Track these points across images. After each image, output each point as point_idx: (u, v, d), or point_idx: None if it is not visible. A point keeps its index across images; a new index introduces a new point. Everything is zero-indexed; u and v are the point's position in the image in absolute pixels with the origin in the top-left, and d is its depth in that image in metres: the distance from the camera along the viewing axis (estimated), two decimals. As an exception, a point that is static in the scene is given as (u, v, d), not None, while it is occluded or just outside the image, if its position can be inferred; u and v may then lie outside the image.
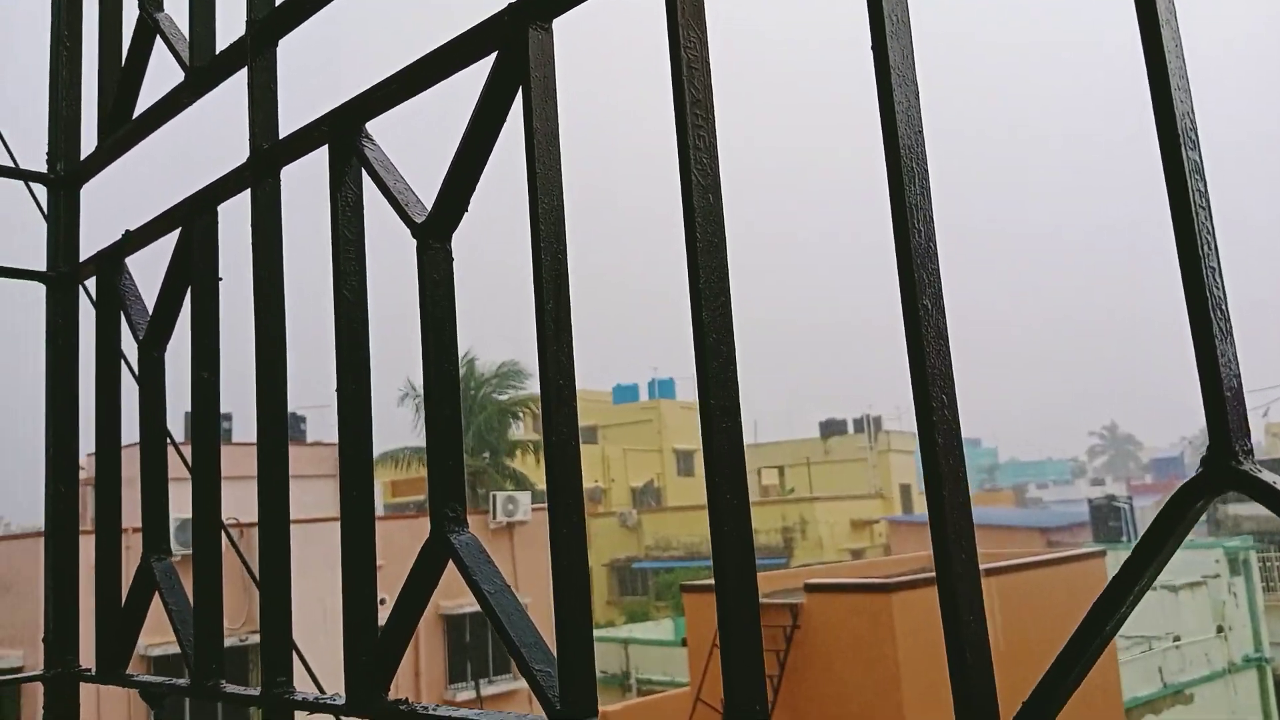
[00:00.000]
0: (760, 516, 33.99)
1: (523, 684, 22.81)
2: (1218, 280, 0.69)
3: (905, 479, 40.62)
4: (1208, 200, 0.70)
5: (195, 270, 1.65)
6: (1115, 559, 23.24)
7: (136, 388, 1.77)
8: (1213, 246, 0.70)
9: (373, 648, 1.25)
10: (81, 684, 1.87)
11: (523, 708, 22.18)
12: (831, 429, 45.05)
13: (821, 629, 13.51)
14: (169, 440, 1.72)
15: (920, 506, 41.32)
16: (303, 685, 1.43)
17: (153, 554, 1.67)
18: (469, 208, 1.24)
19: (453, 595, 22.10)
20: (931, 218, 0.85)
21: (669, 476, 44.37)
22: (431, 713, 1.19)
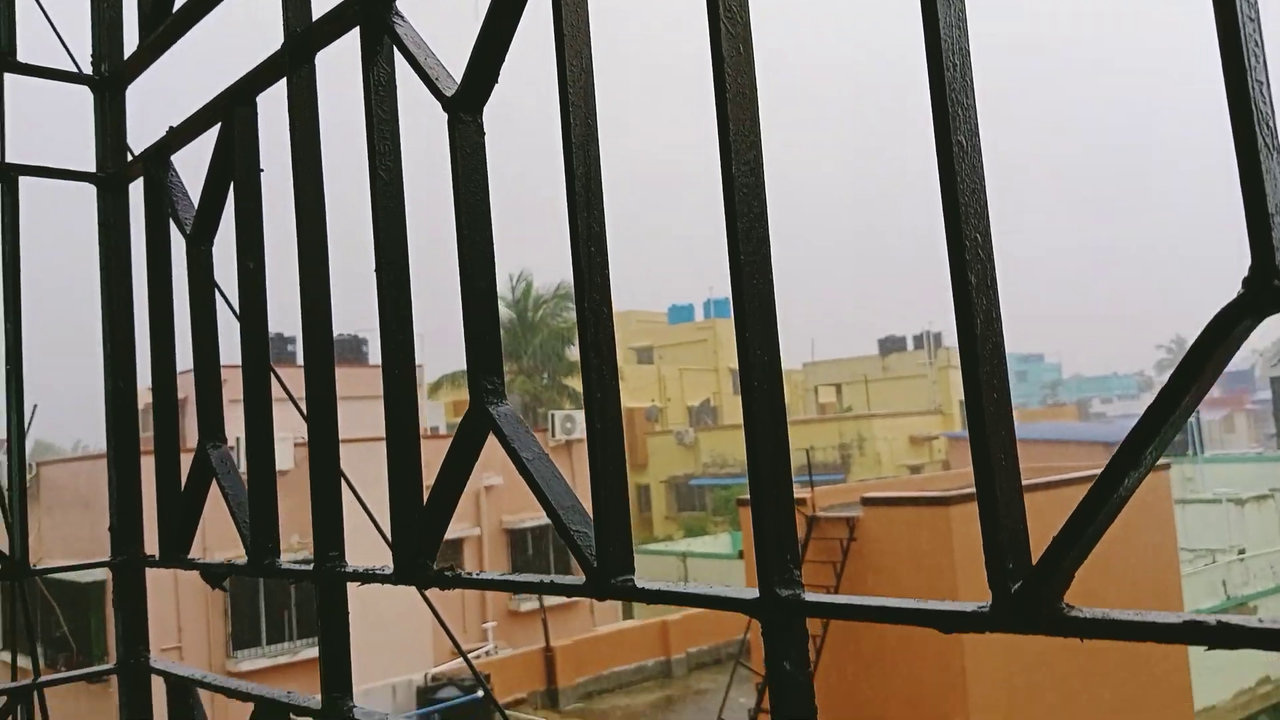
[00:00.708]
0: (817, 434, 34.03)
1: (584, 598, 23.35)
2: (1265, 94, 0.65)
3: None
4: (1257, 10, 0.67)
5: (237, 162, 1.66)
6: (1180, 472, 22.90)
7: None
8: (1260, 59, 0.66)
9: (418, 520, 1.28)
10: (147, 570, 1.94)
11: (583, 620, 22.77)
12: (890, 346, 44.65)
13: (878, 542, 13.58)
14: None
15: (980, 422, 40.87)
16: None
17: (209, 442, 1.72)
18: (498, 79, 1.22)
19: (515, 510, 22.59)
20: (975, 123, 0.81)
21: (724, 395, 44.48)
22: (474, 577, 1.22)
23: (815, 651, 13.41)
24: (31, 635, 1.87)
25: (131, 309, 2.00)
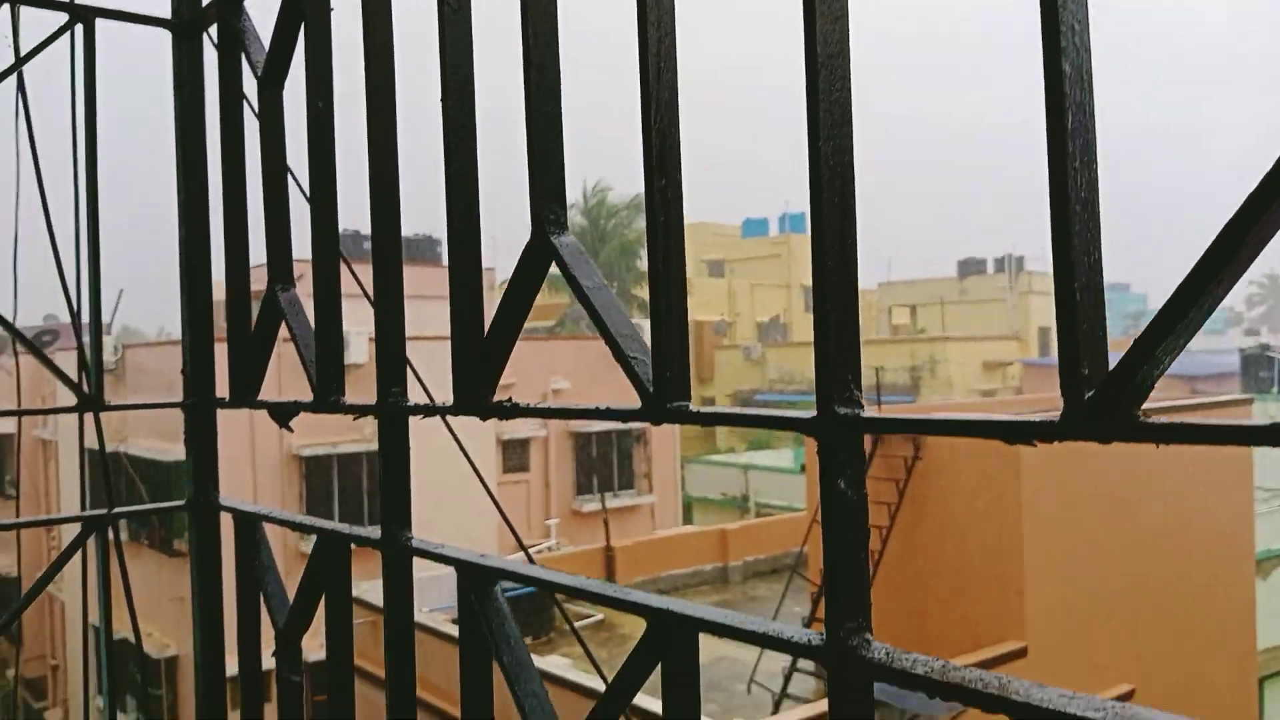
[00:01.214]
0: (888, 355, 33.63)
1: (645, 499, 23.73)
2: None
3: (1045, 321, 39.24)
4: None
5: (308, 3, 1.63)
6: (1262, 409, 22.18)
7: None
8: None
9: (478, 352, 1.28)
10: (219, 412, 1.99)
11: (643, 523, 23.17)
12: (970, 268, 43.60)
13: (944, 463, 13.47)
14: (292, 178, 1.76)
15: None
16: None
17: (277, 284, 1.74)
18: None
19: (580, 416, 22.85)
20: (1086, 41, 0.74)
21: (795, 312, 44.07)
22: (531, 406, 1.21)
23: (873, 566, 13.46)
24: (105, 469, 1.94)
25: (205, 156, 2.01)
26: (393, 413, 1.45)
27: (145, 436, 18.95)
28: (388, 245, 1.44)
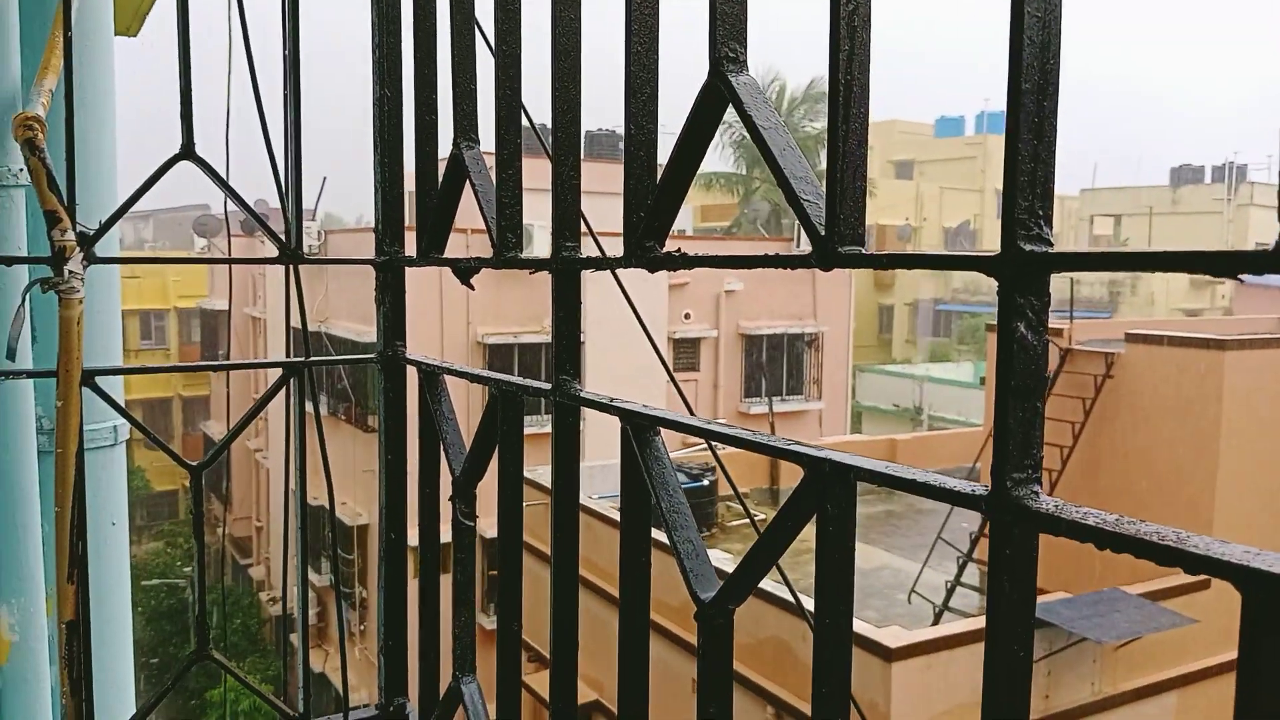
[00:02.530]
0: (1083, 267, 31.68)
1: (813, 405, 23.59)
2: None
3: (1264, 237, 35.98)
4: None
5: None
6: None
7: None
8: None
9: (649, 201, 1.28)
10: (408, 270, 2.08)
11: (810, 430, 23.06)
12: (1184, 176, 40.23)
13: (1137, 381, 12.73)
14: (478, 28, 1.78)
15: None
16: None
17: (462, 141, 1.78)
18: None
19: (753, 317, 22.80)
20: None
21: (988, 217, 42.01)
22: (698, 255, 1.21)
23: (1050, 486, 12.97)
24: (304, 320, 2.07)
25: (399, 13, 2.05)
26: (565, 265, 1.47)
27: (345, 319, 20.19)
28: (566, 97, 1.44)
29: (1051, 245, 0.81)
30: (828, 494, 1.05)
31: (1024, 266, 0.81)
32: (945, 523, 14.16)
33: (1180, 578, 10.76)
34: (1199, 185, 39.06)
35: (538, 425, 18.83)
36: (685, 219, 34.75)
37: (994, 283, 0.84)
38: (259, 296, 26.72)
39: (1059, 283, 22.24)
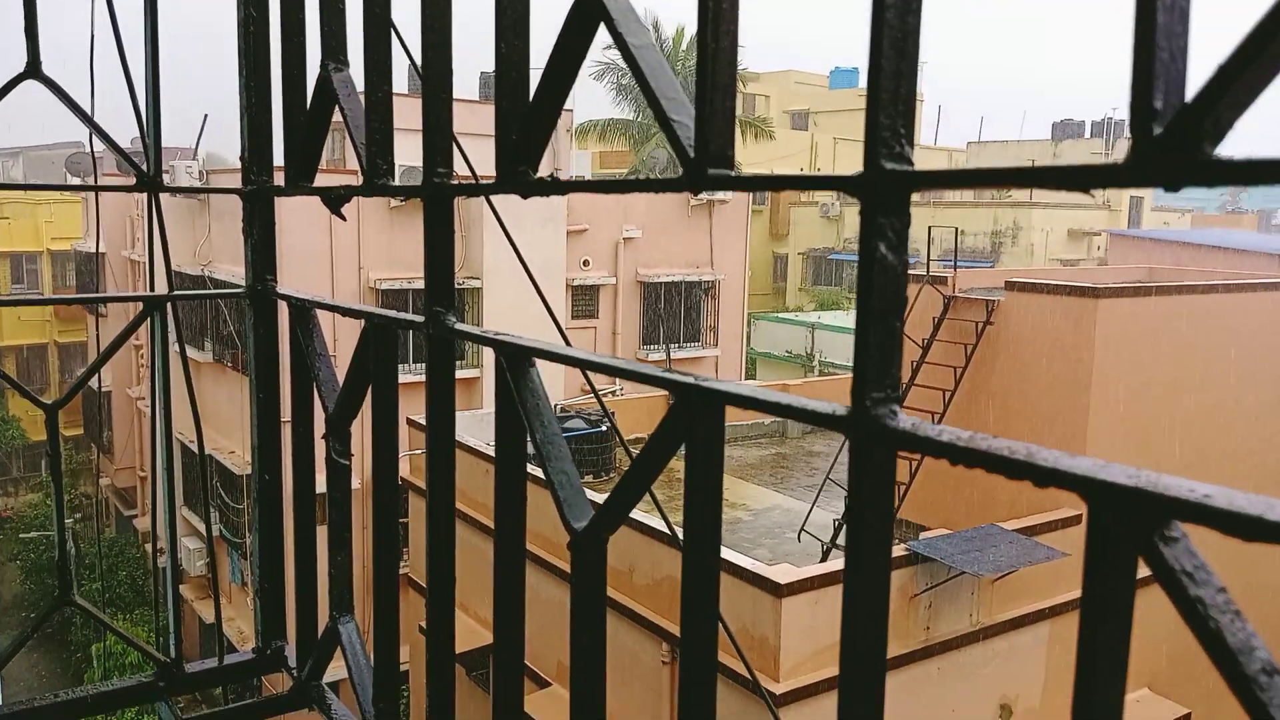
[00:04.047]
0: (968, 218, 32.68)
1: (709, 352, 23.86)
2: None
3: (1139, 190, 37.57)
4: None
5: None
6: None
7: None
8: None
9: (522, 122, 1.24)
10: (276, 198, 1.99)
11: (707, 374, 23.32)
12: (1066, 131, 41.62)
13: (1016, 328, 13.21)
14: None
15: (1150, 221, 38.55)
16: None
17: (330, 62, 1.70)
18: None
19: (651, 265, 22.83)
20: None
21: (879, 169, 42.74)
22: (573, 180, 1.18)
23: (965, 358, 13.38)
24: (166, 252, 1.97)
25: (261, -70, 1.94)
26: (436, 192, 1.43)
27: (229, 263, 19.46)
28: (437, 13, 1.38)
29: (912, 165, 0.81)
30: (696, 419, 1.04)
31: (886, 185, 0.80)
32: (834, 463, 14.55)
33: (1054, 514, 11.31)
34: (1079, 140, 40.51)
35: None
36: (583, 166, 34.47)
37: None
38: (137, 239, 25.56)
39: (945, 230, 22.82)
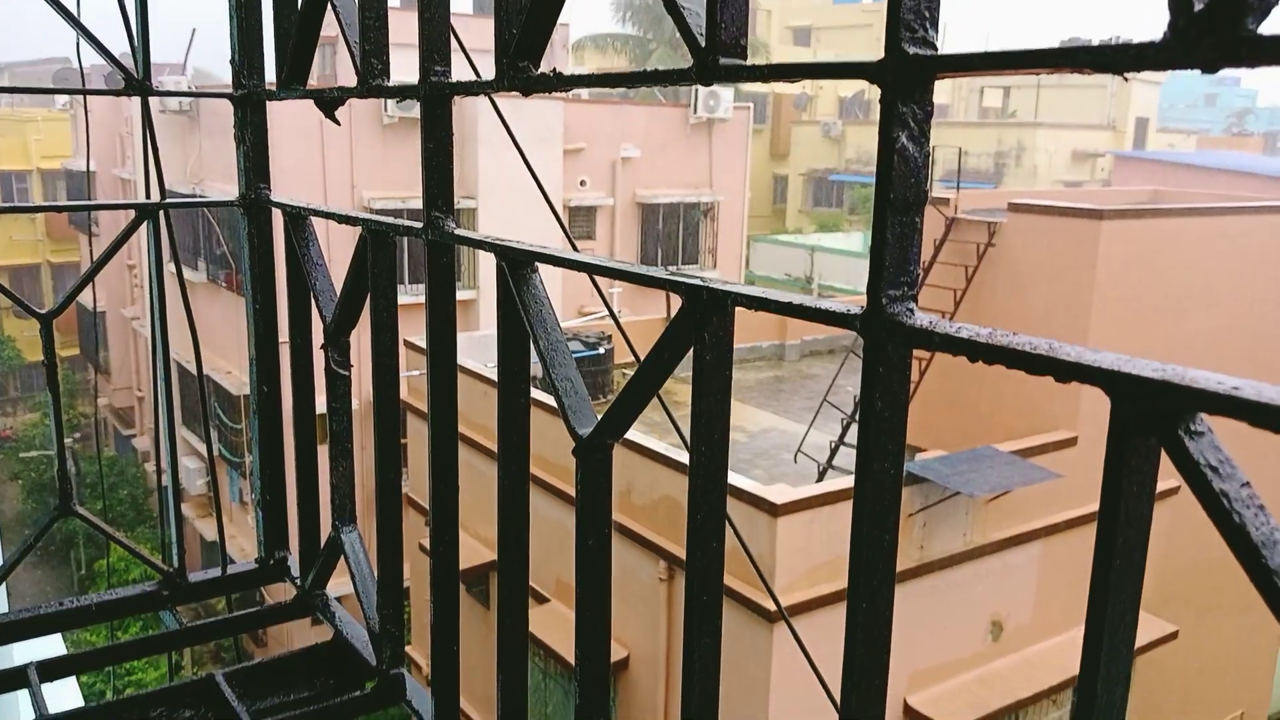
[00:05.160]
0: (972, 138, 32.26)
1: (708, 274, 23.75)
2: None
3: (1145, 112, 37.07)
4: None
5: None
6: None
7: None
8: None
9: (520, 14, 1.19)
10: (268, 104, 1.94)
11: (707, 297, 23.26)
12: (1070, 51, 40.79)
13: (1018, 249, 13.12)
14: None
15: (1154, 143, 38.09)
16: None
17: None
18: None
19: (650, 185, 22.59)
20: None
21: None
22: (574, 74, 1.13)
23: (966, 280, 13.38)
24: (157, 160, 1.92)
25: None
26: (434, 91, 1.38)
27: (221, 181, 19.23)
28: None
29: (936, 49, 0.77)
30: (705, 322, 1.02)
31: (908, 70, 0.77)
32: (831, 385, 14.60)
33: (1048, 435, 11.38)
34: (1086, 58, 39.63)
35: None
36: (580, 83, 33.92)
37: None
38: (127, 157, 25.21)
39: (948, 149, 22.53)
